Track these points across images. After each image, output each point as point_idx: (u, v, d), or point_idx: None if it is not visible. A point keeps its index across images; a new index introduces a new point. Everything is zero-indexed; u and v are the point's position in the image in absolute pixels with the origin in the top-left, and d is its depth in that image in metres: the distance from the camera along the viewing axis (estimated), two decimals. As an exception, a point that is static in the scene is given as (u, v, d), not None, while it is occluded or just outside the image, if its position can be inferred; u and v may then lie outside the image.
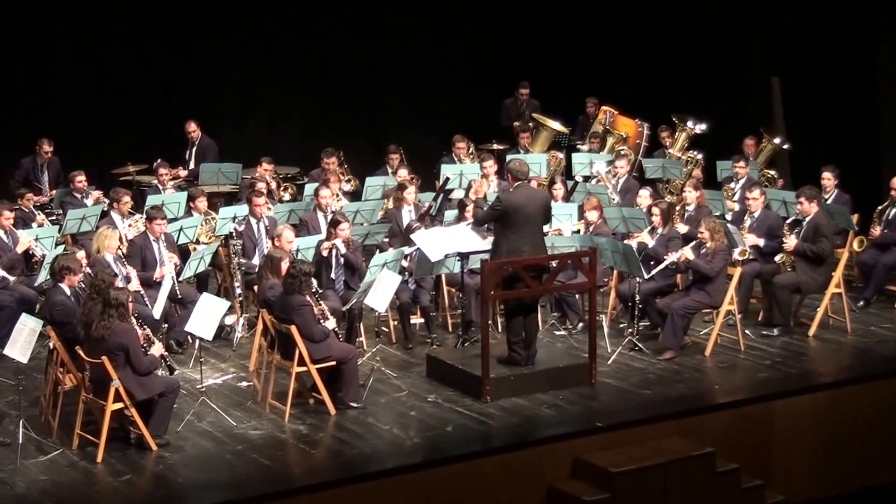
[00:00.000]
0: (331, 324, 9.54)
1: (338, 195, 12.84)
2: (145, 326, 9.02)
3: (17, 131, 14.87)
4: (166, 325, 10.79)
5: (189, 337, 10.59)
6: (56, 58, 15.43)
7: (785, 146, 14.56)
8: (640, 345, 10.71)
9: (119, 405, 8.59)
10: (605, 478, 8.70)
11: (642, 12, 17.43)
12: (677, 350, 10.60)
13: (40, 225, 12.28)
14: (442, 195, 12.58)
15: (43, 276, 10.65)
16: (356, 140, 16.08)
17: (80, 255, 9.98)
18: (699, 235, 10.67)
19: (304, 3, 16.64)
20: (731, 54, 16.46)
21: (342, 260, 10.80)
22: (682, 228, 11.48)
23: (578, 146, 15.59)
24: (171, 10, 15.70)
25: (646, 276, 10.67)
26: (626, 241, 11.07)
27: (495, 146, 15.51)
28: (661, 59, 17.15)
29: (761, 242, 11.35)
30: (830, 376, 10.35)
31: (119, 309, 8.63)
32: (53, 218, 12.85)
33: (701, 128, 14.79)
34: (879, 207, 12.14)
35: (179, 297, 10.75)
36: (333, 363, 9.43)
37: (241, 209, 11.97)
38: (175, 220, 11.94)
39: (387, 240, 11.86)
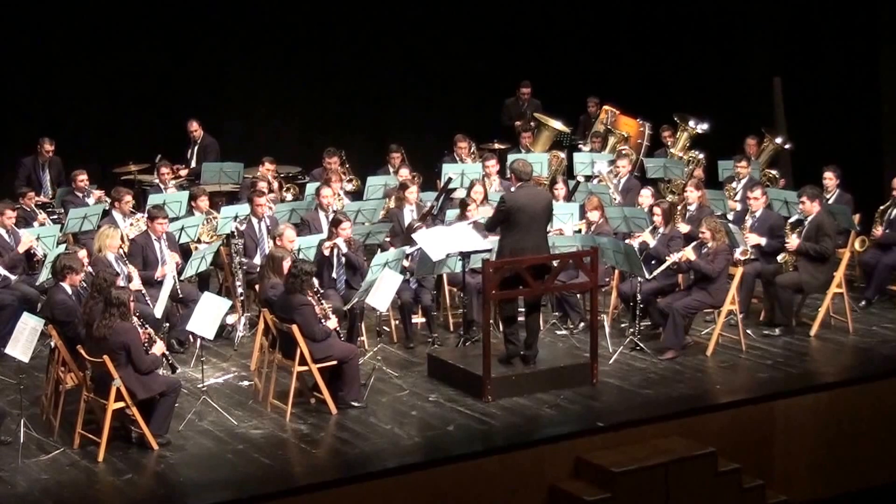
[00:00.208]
0: (332, 323, 9.54)
1: (339, 194, 12.85)
2: (147, 325, 9.02)
3: (19, 130, 14.89)
4: (168, 325, 10.81)
5: (190, 336, 10.60)
6: (58, 57, 15.42)
7: (787, 146, 14.56)
8: (641, 344, 10.71)
9: (120, 404, 8.59)
10: (607, 477, 8.70)
11: (644, 12, 17.42)
12: (679, 350, 10.59)
13: (42, 224, 12.29)
14: (444, 195, 12.57)
15: (44, 275, 10.66)
16: (358, 139, 16.08)
17: (82, 254, 9.99)
18: (700, 235, 10.67)
19: (306, 2, 16.64)
20: (733, 54, 16.45)
21: (343, 259, 10.80)
22: (684, 228, 11.47)
23: (580, 146, 15.59)
24: (173, 9, 15.71)
25: (647, 276, 10.67)
26: (627, 241, 11.06)
27: (497, 146, 15.51)
28: (663, 59, 17.14)
29: (763, 242, 11.34)
30: (832, 376, 10.34)
31: (120, 308, 8.63)
32: (55, 217, 12.85)
33: (703, 127, 14.79)
34: (881, 207, 12.13)
35: (181, 296, 10.74)
36: (335, 362, 9.43)
37: (243, 208, 11.98)
38: (176, 219, 11.95)
39: (388, 239, 11.86)
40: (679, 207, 12.17)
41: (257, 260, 11.44)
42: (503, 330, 10.04)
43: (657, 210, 11.24)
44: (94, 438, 8.67)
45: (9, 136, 14.89)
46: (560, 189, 12.68)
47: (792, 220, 11.38)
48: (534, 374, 9.86)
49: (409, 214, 12.09)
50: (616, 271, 11.46)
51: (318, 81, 16.83)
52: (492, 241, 10.44)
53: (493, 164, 13.39)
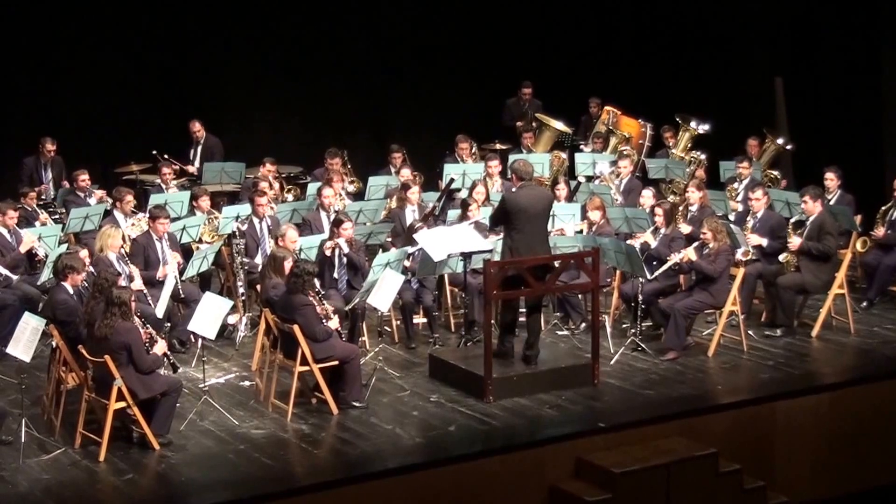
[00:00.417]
0: (333, 323, 9.54)
1: (341, 195, 12.85)
2: (148, 325, 9.02)
3: (21, 130, 14.88)
4: (169, 324, 10.81)
5: (192, 336, 10.59)
6: (59, 56, 15.42)
7: (788, 147, 14.55)
8: (642, 345, 10.71)
9: (121, 404, 8.59)
10: (608, 478, 8.70)
11: (645, 12, 17.41)
12: (680, 350, 10.59)
13: (44, 224, 12.29)
14: (445, 195, 12.57)
15: (46, 274, 10.67)
16: (359, 140, 16.08)
17: (83, 253, 9.99)
18: (702, 236, 10.66)
19: (307, 3, 16.64)
20: (735, 54, 16.44)
21: (345, 259, 10.81)
22: (685, 229, 11.47)
23: (581, 146, 15.57)
24: (175, 8, 15.71)
25: (649, 277, 10.67)
26: (629, 242, 11.06)
27: (498, 146, 15.49)
28: (665, 60, 17.13)
29: (764, 242, 11.34)
30: (833, 377, 10.34)
31: (122, 308, 8.64)
32: (56, 217, 12.85)
33: (704, 128, 14.79)
34: (883, 208, 12.12)
35: (182, 296, 10.74)
36: (336, 363, 9.43)
37: (244, 208, 11.98)
38: (178, 219, 11.95)
39: (390, 239, 11.86)
40: (680, 208, 12.17)
41: (259, 260, 11.44)
42: (499, 335, 10.05)
43: (659, 210, 11.25)
44: (95, 438, 8.67)
45: (10, 136, 14.89)
46: (561, 189, 12.68)
47: (794, 220, 11.38)
48: (535, 374, 9.86)
49: (411, 215, 12.10)
50: (617, 272, 11.46)
51: (320, 82, 16.82)
52: (493, 242, 10.44)
53: (495, 165, 13.40)
